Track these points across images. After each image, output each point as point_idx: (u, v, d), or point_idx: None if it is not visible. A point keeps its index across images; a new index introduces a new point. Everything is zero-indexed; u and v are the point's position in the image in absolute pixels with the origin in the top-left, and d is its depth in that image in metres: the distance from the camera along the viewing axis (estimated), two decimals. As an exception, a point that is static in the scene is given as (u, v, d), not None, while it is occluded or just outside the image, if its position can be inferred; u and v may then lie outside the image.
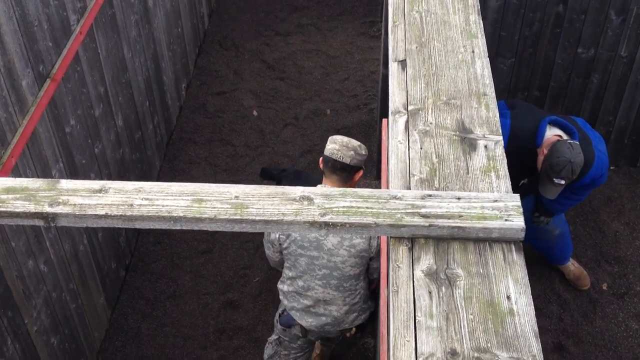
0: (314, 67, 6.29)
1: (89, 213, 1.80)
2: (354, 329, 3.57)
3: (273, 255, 3.54)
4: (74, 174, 3.80)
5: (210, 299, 4.61)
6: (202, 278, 4.72)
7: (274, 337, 3.76)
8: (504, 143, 3.78)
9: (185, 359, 4.31)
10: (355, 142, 3.35)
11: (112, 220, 1.82)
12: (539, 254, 4.52)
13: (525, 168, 3.78)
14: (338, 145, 3.31)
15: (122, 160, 4.52)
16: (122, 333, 4.44)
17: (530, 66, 4.77)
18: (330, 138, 3.38)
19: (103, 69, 4.11)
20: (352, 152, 3.31)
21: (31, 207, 1.82)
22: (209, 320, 4.49)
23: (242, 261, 4.80)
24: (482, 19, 2.72)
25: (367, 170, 5.29)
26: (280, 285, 3.58)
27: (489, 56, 2.34)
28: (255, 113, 5.82)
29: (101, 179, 4.19)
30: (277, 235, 3.40)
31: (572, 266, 4.52)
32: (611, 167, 5.14)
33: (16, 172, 3.15)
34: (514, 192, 1.88)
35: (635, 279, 4.59)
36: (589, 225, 4.90)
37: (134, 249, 4.80)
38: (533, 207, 4.08)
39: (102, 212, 1.81)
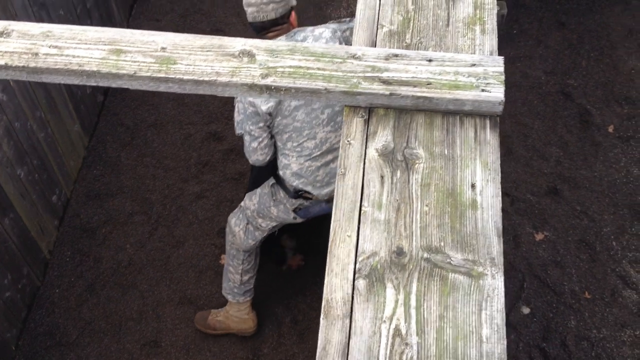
0: None
1: (-14, 64, 1.51)
2: None
3: (259, 134, 2.96)
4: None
5: (193, 129, 4.40)
6: (185, 107, 4.47)
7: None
8: None
9: (166, 191, 4.18)
10: None
11: (13, 72, 1.53)
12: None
13: None
14: (255, 7, 2.83)
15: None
16: (101, 161, 4.29)
17: None
18: (243, 2, 2.87)
19: None
20: (271, 5, 2.82)
21: None
22: (190, 152, 4.30)
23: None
24: None
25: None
26: (283, 174, 3.06)
27: None
28: None
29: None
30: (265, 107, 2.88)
31: None
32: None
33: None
34: None
35: (644, 123, 4.30)
36: (603, 61, 4.52)
37: (112, 73, 4.50)
38: None
39: (2, 62, 1.52)
